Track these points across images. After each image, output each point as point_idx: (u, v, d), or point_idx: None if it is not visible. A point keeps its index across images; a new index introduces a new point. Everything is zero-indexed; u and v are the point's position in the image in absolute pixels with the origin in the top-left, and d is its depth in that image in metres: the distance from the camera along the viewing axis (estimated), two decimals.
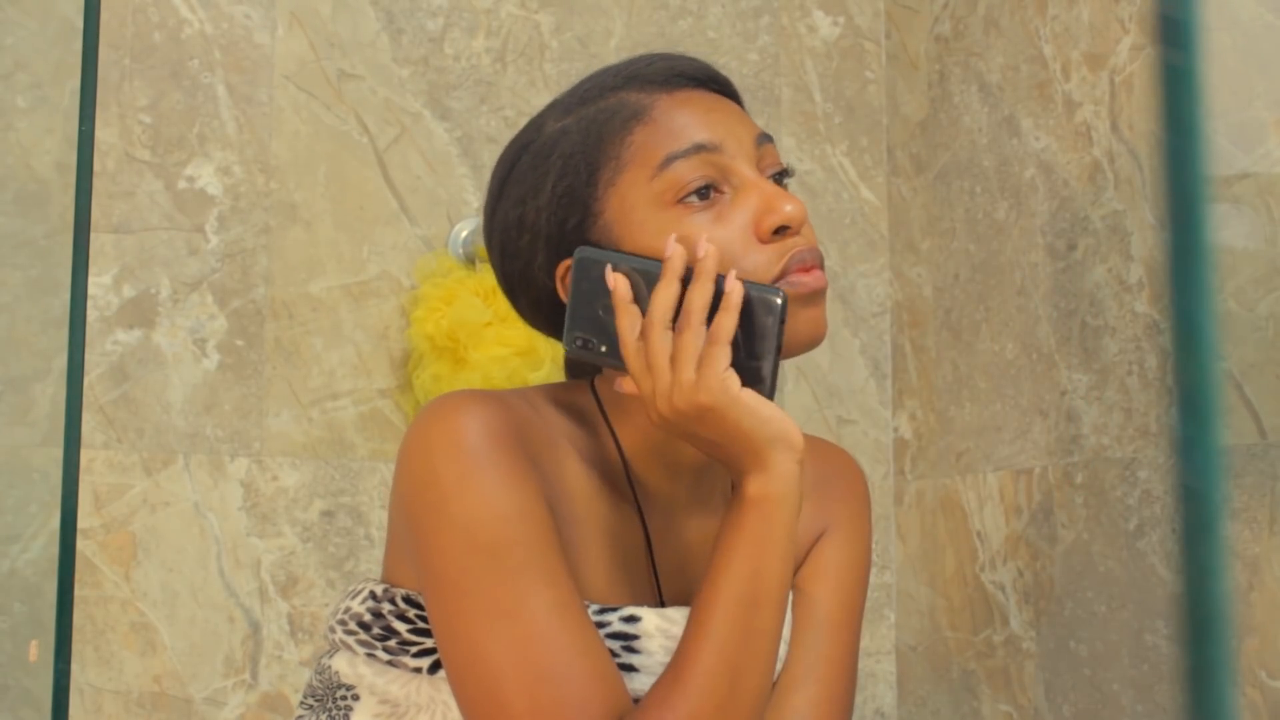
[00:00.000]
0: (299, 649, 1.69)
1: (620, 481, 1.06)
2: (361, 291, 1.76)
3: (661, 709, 0.92)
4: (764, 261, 0.99)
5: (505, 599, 0.94)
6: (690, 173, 1.00)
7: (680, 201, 1.00)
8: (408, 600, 1.03)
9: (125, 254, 1.68)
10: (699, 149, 1.00)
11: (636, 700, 0.97)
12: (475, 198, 1.80)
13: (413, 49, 1.81)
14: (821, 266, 1.01)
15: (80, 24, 1.58)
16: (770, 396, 0.96)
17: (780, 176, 1.04)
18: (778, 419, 0.95)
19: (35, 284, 1.64)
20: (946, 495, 1.80)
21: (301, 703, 1.11)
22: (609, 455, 1.06)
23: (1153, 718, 1.46)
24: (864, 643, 1.86)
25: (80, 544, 1.62)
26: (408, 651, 1.03)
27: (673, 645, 1.01)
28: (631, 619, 1.02)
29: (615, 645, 1.01)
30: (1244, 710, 1.32)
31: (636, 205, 1.00)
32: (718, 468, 1.07)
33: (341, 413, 1.74)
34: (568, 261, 1.02)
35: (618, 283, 0.97)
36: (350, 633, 1.05)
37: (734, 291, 0.95)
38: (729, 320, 0.94)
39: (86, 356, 1.63)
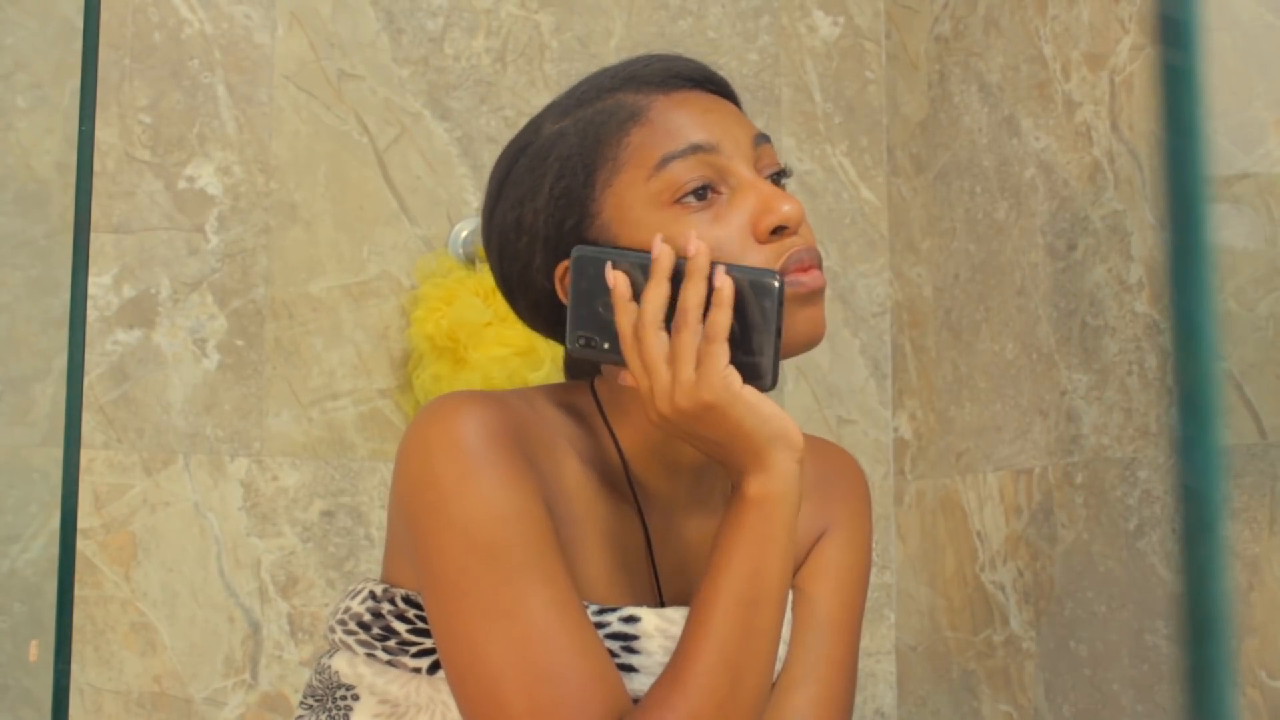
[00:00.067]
0: (299, 649, 1.69)
1: (620, 482, 1.06)
2: (361, 291, 1.76)
3: (662, 709, 0.92)
4: (762, 261, 0.99)
5: (504, 599, 0.94)
6: (687, 173, 1.00)
7: (677, 202, 1.00)
8: (407, 600, 1.03)
9: (125, 254, 1.69)
10: (696, 149, 1.00)
11: (636, 700, 0.97)
12: (475, 198, 1.80)
13: (413, 49, 1.81)
14: (820, 266, 1.01)
15: (80, 24, 1.58)
16: (773, 385, 0.96)
17: (778, 177, 1.04)
18: (778, 417, 0.95)
19: (35, 284, 1.64)
20: (946, 495, 1.80)
21: (301, 703, 1.11)
22: (608, 455, 1.06)
23: (1153, 718, 1.46)
24: (864, 643, 1.86)
25: (80, 544, 1.62)
26: (407, 651, 1.03)
27: (672, 645, 1.01)
28: (631, 619, 1.02)
29: (614, 645, 1.01)
30: (1244, 710, 1.32)
31: (634, 206, 1.00)
32: (717, 468, 1.07)
33: (341, 413, 1.74)
34: (566, 262, 1.02)
35: (617, 280, 0.97)
36: (350, 633, 1.05)
37: (725, 287, 0.95)
38: (723, 316, 0.94)
39: (86, 356, 1.63)
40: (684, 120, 1.02)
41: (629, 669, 1.01)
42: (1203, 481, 0.43)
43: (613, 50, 1.87)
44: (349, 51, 1.79)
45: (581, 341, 1.00)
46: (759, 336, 0.96)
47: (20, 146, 1.64)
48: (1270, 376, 1.33)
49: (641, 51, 1.86)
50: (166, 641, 1.65)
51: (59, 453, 1.54)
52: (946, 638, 1.79)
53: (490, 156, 1.78)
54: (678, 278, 0.96)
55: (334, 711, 1.06)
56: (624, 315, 0.97)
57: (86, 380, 1.64)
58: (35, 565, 1.58)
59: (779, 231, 1.00)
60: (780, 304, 0.95)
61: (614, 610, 1.02)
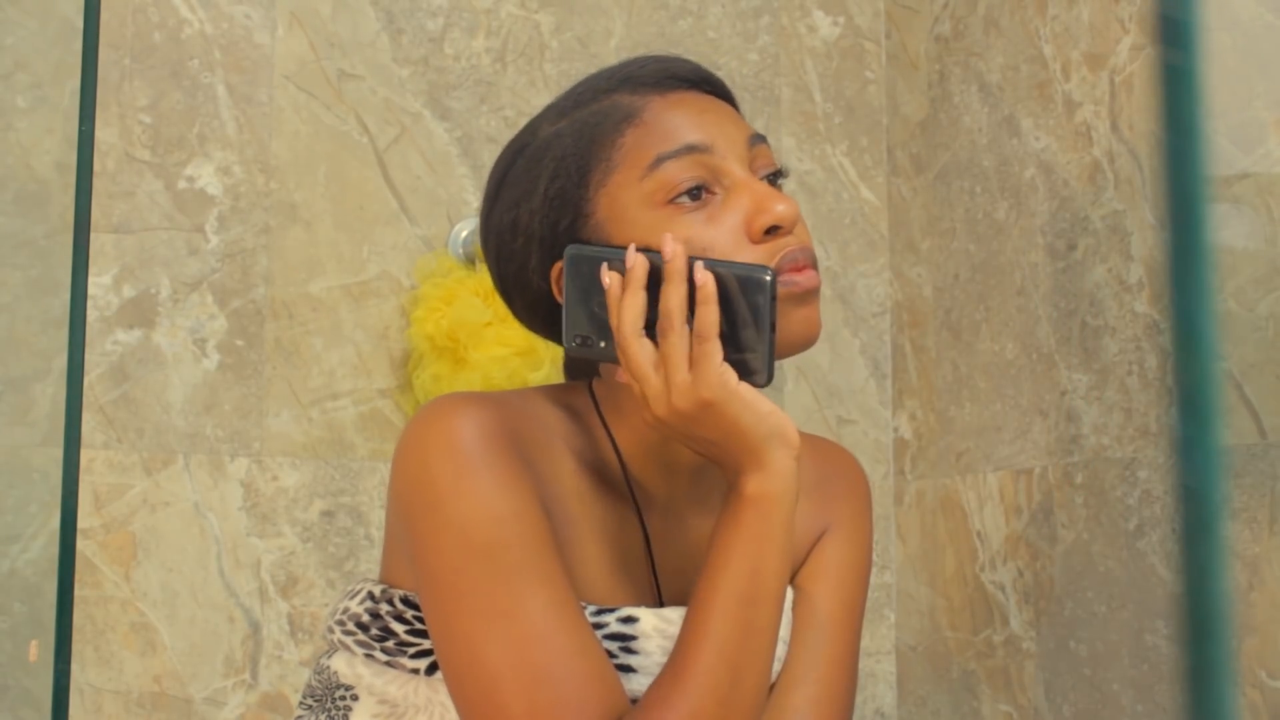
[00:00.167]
0: (299, 649, 1.69)
1: (618, 482, 1.06)
2: (361, 291, 1.76)
3: (662, 708, 0.92)
4: (756, 261, 0.99)
5: (502, 600, 0.94)
6: (681, 173, 1.00)
7: (671, 202, 1.00)
8: (405, 601, 1.03)
9: (125, 254, 1.69)
10: (689, 150, 1.00)
11: (634, 701, 0.97)
12: (475, 198, 1.80)
13: (413, 49, 1.81)
14: (815, 266, 1.01)
15: (80, 24, 1.58)
16: (768, 382, 0.96)
17: (774, 177, 1.04)
18: (774, 415, 0.95)
19: (35, 284, 1.64)
20: (946, 495, 1.80)
21: (301, 703, 1.11)
22: (606, 456, 1.06)
23: (1153, 718, 1.46)
24: (864, 643, 1.86)
25: (80, 544, 1.62)
26: (405, 652, 1.03)
27: (670, 646, 1.01)
28: (629, 619, 1.02)
29: (613, 646, 1.01)
30: (1244, 710, 1.32)
31: (628, 206, 1.00)
32: (715, 468, 1.07)
33: (341, 413, 1.74)
34: (561, 263, 1.02)
35: (613, 281, 0.97)
36: (349, 633, 1.05)
37: (707, 283, 0.95)
38: (711, 312, 0.94)
39: (86, 356, 1.63)
40: (679, 121, 1.02)
41: (627, 669, 1.01)
42: (1203, 481, 0.43)
43: (613, 50, 1.87)
44: (349, 51, 1.79)
45: (577, 341, 1.00)
46: (749, 333, 0.95)
47: (20, 146, 1.64)
48: (1270, 376, 1.33)
49: (641, 51, 1.87)
50: (166, 641, 1.65)
51: (59, 453, 1.54)
52: (946, 638, 1.79)
53: (490, 156, 1.78)
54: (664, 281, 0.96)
55: (333, 712, 1.06)
56: (617, 315, 0.97)
57: (86, 380, 1.64)
58: (35, 565, 1.58)
59: (773, 231, 1.00)
60: (773, 299, 0.95)
61: (612, 611, 1.02)
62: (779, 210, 0.99)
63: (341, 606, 1.07)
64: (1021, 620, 1.65)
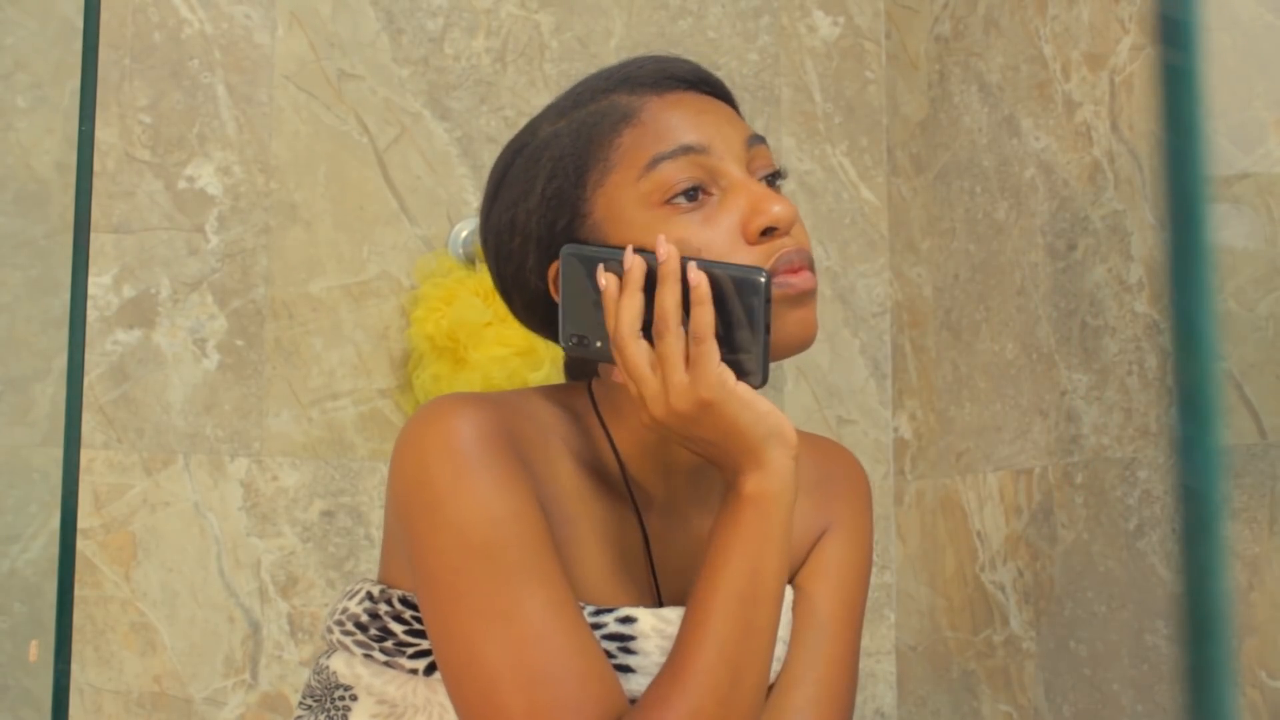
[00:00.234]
0: (299, 649, 1.69)
1: (616, 483, 1.06)
2: (361, 291, 1.76)
3: (661, 707, 0.92)
4: (751, 263, 0.99)
5: (500, 600, 0.94)
6: (677, 174, 1.00)
7: (667, 202, 1.00)
8: (404, 601, 1.03)
9: (125, 254, 1.69)
10: (686, 150, 1.00)
11: (633, 701, 0.97)
12: (475, 198, 1.80)
13: (413, 49, 1.81)
14: (811, 268, 1.01)
15: (80, 24, 1.58)
16: (764, 382, 0.96)
17: (773, 178, 1.04)
18: (772, 414, 0.95)
19: (35, 284, 1.64)
20: (946, 495, 1.80)
21: (300, 703, 1.11)
22: (604, 456, 1.06)
23: (1153, 718, 1.46)
24: (864, 643, 1.86)
25: (80, 544, 1.62)
26: (404, 653, 1.03)
27: (669, 646, 1.01)
28: (627, 620, 1.02)
29: (611, 646, 1.01)
30: (1244, 710, 1.32)
31: (625, 206, 1.00)
32: (714, 468, 1.07)
33: (341, 413, 1.74)
34: (558, 263, 1.02)
35: (609, 282, 0.97)
36: (347, 633, 1.05)
37: (701, 283, 0.95)
38: (706, 313, 0.94)
39: (86, 356, 1.63)
40: (676, 121, 1.02)
41: (626, 669, 1.01)
42: (1203, 481, 0.43)
43: (613, 50, 1.87)
44: (349, 51, 1.79)
45: (574, 340, 1.00)
46: (744, 334, 0.95)
47: (20, 146, 1.64)
48: (1270, 376, 1.33)
49: (641, 51, 1.86)
50: (166, 641, 1.65)
51: (59, 453, 1.54)
52: (946, 638, 1.79)
53: (490, 156, 1.78)
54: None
55: (332, 712, 1.06)
56: (614, 317, 0.97)
57: (86, 380, 1.64)
58: (35, 565, 1.58)
59: (769, 233, 1.00)
60: (768, 300, 0.95)
61: (610, 611, 1.02)
62: (775, 212, 0.99)
63: (340, 607, 1.07)
64: (1021, 620, 1.65)
